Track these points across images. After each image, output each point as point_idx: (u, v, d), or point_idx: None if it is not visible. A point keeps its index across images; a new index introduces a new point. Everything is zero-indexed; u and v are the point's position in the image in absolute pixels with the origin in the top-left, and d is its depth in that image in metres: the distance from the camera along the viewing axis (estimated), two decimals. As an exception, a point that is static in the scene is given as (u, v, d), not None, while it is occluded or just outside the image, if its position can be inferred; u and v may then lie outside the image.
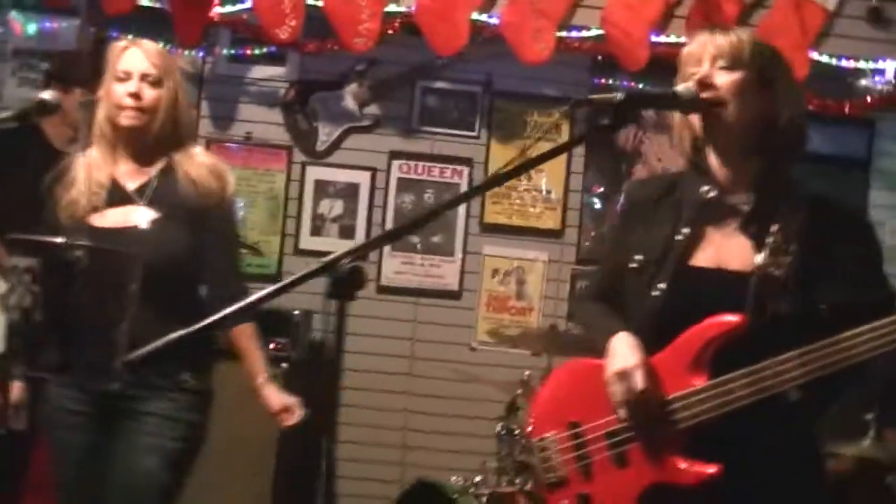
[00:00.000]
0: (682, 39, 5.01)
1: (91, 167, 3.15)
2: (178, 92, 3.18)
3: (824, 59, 5.06)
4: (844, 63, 5.10)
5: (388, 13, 5.03)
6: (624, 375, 2.33)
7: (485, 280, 5.58)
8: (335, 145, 5.52)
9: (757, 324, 2.26)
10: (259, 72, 5.44)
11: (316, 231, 5.52)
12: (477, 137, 5.57)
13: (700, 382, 2.30)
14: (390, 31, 5.05)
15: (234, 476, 4.67)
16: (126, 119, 3.11)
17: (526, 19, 4.99)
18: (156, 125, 3.11)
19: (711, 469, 2.27)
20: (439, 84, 5.51)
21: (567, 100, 5.39)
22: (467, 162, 5.56)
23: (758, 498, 2.33)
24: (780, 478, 2.32)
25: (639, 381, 2.32)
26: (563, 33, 5.07)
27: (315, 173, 5.54)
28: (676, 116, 2.45)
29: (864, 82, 5.10)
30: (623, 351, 2.37)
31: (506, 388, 4.51)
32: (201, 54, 5.33)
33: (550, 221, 5.60)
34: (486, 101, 5.56)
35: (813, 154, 5.41)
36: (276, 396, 3.21)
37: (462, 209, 5.48)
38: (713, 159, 2.41)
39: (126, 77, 3.12)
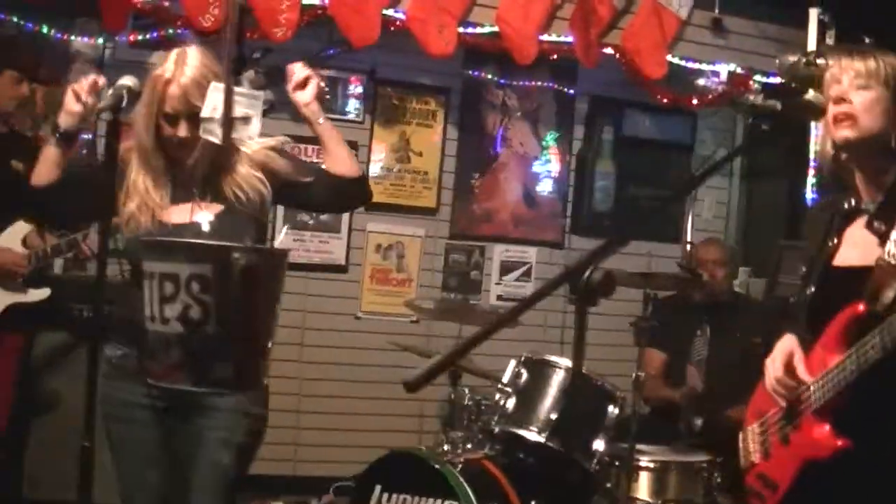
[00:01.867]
0: (565, 38, 5.63)
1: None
2: None
3: (675, 60, 5.83)
4: (690, 64, 5.91)
5: (305, 5, 5.23)
6: (772, 360, 2.69)
7: (368, 254, 5.97)
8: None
9: (877, 310, 2.45)
10: (160, 58, 5.44)
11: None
12: (361, 123, 5.91)
13: (835, 361, 2.53)
14: (306, 21, 5.23)
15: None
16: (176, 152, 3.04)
17: (431, 15, 5.38)
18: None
19: (840, 441, 2.49)
20: (327, 72, 5.77)
21: (444, 89, 5.90)
22: (353, 145, 5.87)
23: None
24: None
25: (776, 367, 2.65)
26: (463, 30, 5.49)
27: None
28: (822, 136, 2.72)
29: (702, 81, 5.92)
30: (779, 346, 2.70)
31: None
32: (101, 40, 5.27)
33: (427, 200, 6.06)
34: (371, 88, 5.89)
35: (647, 139, 6.34)
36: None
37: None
38: (854, 169, 2.64)
39: (173, 111, 2.97)
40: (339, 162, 3.20)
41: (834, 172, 2.71)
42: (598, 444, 4.29)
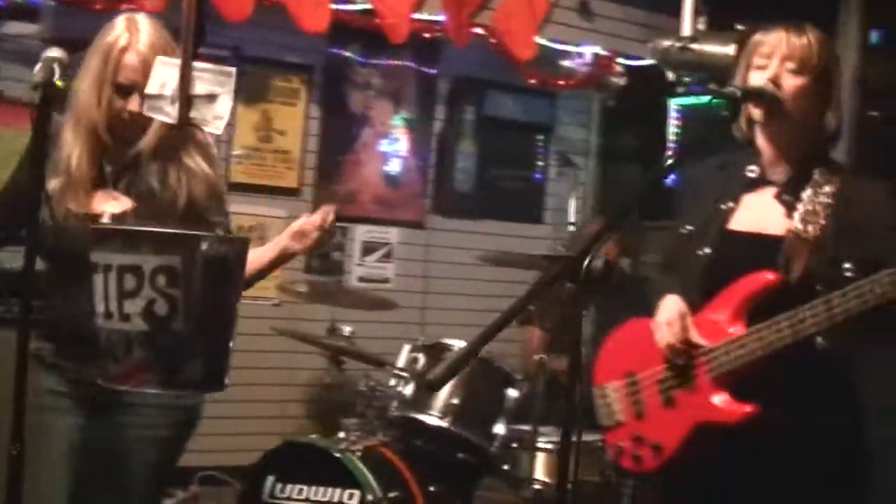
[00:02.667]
0: (435, 17, 5.57)
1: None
2: None
3: (543, 41, 5.87)
4: (558, 46, 5.95)
5: (172, -19, 4.99)
6: (662, 325, 2.66)
7: (232, 236, 5.76)
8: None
9: (788, 281, 2.54)
10: (10, 28, 5.11)
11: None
12: (223, 99, 5.68)
13: (739, 332, 2.57)
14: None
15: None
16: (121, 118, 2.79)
17: (307, -10, 5.23)
18: None
19: (748, 408, 2.54)
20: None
21: (307, 66, 5.75)
22: (214, 123, 5.67)
23: (794, 441, 2.57)
24: (814, 423, 2.58)
25: (675, 329, 2.62)
26: (336, 6, 5.35)
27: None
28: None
29: (567, 63, 5.98)
30: (667, 306, 2.68)
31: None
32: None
33: (289, 180, 5.90)
34: (235, 65, 5.65)
35: (508, 120, 6.37)
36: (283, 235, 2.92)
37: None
38: (760, 139, 2.68)
39: (126, 79, 2.75)
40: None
41: (744, 138, 2.72)
42: (499, 428, 4.29)
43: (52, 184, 2.75)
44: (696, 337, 2.64)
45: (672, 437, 2.69)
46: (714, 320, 2.64)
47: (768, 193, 2.68)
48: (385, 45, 5.73)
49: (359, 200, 6.15)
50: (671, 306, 2.68)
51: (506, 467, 4.36)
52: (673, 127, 6.22)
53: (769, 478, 2.61)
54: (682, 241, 2.78)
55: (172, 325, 2.30)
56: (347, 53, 5.89)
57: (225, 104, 2.39)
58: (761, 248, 2.62)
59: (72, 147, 2.76)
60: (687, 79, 5.46)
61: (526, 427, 4.34)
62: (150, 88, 2.50)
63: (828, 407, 2.60)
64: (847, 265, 2.52)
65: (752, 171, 2.70)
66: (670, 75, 5.54)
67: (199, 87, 2.35)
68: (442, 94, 6.31)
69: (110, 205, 2.81)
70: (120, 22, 2.77)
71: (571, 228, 5.61)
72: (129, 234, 2.37)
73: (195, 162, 2.84)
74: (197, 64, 2.40)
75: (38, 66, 2.55)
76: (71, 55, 2.53)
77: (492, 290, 6.34)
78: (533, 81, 5.91)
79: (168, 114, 2.43)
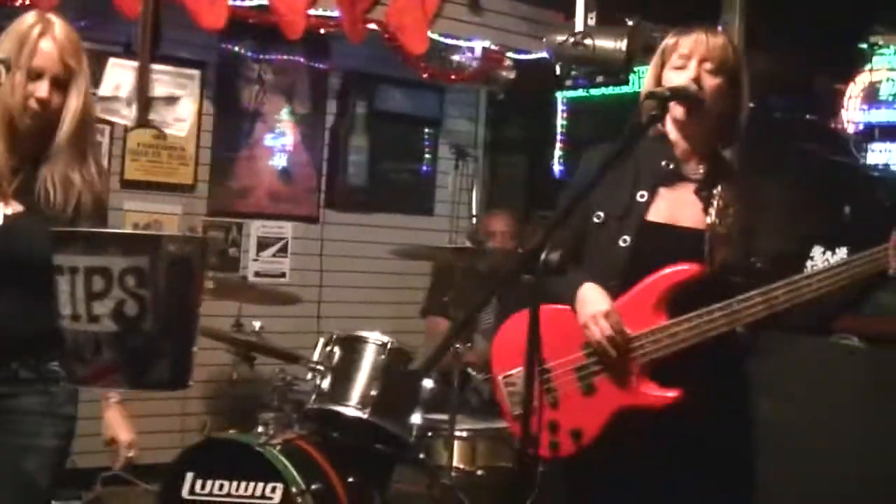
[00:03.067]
0: (330, 13, 5.62)
1: None
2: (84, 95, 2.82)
3: (434, 36, 5.97)
4: (448, 41, 6.07)
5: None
6: (599, 317, 2.70)
7: (126, 234, 5.70)
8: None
9: (708, 272, 2.69)
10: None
11: None
12: (116, 96, 5.63)
13: (662, 321, 2.69)
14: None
15: None
16: (28, 117, 2.76)
17: (203, -13, 5.20)
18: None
19: (672, 393, 2.66)
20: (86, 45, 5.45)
21: (200, 62, 5.72)
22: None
23: (708, 422, 2.71)
24: (727, 404, 2.77)
25: (614, 321, 2.70)
26: (232, 2, 5.34)
27: None
28: (645, 101, 2.76)
29: (456, 57, 6.11)
30: (594, 297, 2.74)
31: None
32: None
33: (184, 177, 5.87)
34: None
35: (398, 114, 6.47)
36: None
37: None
38: (675, 135, 2.82)
39: (35, 74, 2.72)
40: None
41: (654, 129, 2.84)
42: (416, 418, 4.39)
43: None
44: (628, 332, 2.72)
45: (593, 422, 2.76)
46: (636, 309, 2.73)
47: (683, 187, 2.81)
48: (276, 40, 5.74)
49: (253, 196, 6.17)
50: (600, 298, 2.75)
51: (421, 456, 4.45)
52: (560, 119, 6.41)
53: (684, 458, 2.72)
54: (593, 229, 2.84)
55: (142, 325, 2.31)
56: (239, 49, 5.88)
57: (187, 106, 2.44)
58: (680, 241, 2.75)
59: None
60: (574, 72, 5.62)
61: (441, 416, 4.43)
62: (104, 90, 2.52)
63: (738, 389, 2.81)
64: (753, 259, 2.73)
65: (668, 165, 2.82)
66: (558, 69, 5.70)
67: (159, 90, 2.38)
68: (333, 89, 6.37)
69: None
70: (33, 14, 2.75)
71: (473, 220, 5.73)
72: (95, 235, 2.39)
73: (89, 171, 2.82)
74: (155, 66, 2.42)
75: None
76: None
77: (386, 283, 6.46)
78: (425, 76, 6.00)
79: (124, 116, 2.46)
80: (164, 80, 2.36)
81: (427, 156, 6.71)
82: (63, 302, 2.37)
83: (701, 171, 2.82)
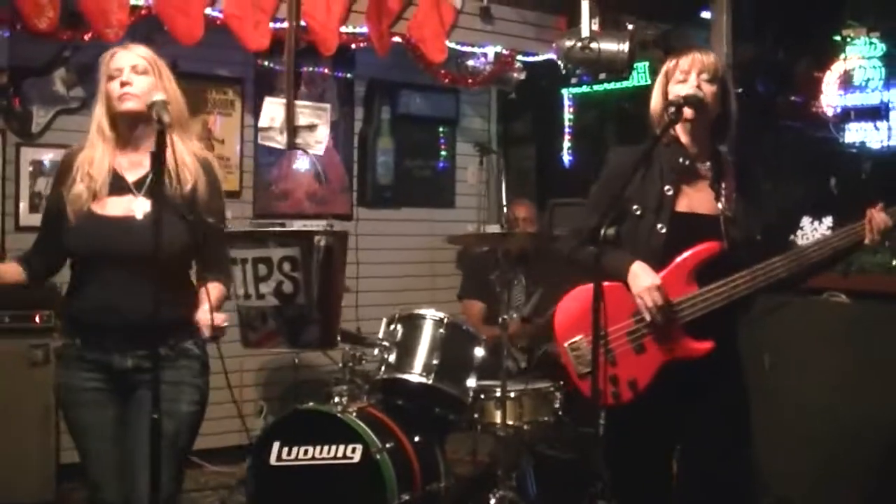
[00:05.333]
0: (359, 29, 6.21)
1: (91, 161, 3.31)
2: (167, 82, 3.36)
3: (451, 45, 6.60)
4: (464, 48, 6.69)
5: (133, 6, 5.48)
6: (652, 290, 3.29)
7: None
8: (47, 126, 5.85)
9: (726, 249, 3.33)
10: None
11: (34, 208, 5.74)
12: (168, 115, 6.18)
13: (694, 290, 3.31)
14: (133, 21, 5.48)
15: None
16: (122, 103, 3.28)
17: (247, 12, 5.80)
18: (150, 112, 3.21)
19: (709, 344, 3.30)
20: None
21: (238, 79, 6.33)
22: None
23: (724, 367, 3.38)
24: (735, 353, 3.46)
25: (662, 293, 3.28)
26: (273, 25, 5.93)
27: (29, 154, 5.83)
28: (656, 108, 3.45)
29: (471, 62, 6.72)
30: (646, 272, 3.31)
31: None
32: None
33: (231, 184, 6.41)
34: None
35: (419, 116, 7.08)
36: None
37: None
38: (686, 137, 3.42)
39: (118, 73, 3.30)
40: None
41: (666, 133, 3.40)
42: (471, 382, 5.01)
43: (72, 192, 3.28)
44: (671, 300, 3.32)
45: (645, 373, 3.37)
46: (673, 281, 3.34)
47: (698, 181, 3.43)
48: (306, 54, 6.32)
49: (293, 198, 6.75)
50: (648, 273, 3.32)
51: (476, 416, 5.08)
52: (567, 113, 7.04)
53: (709, 398, 3.35)
54: (632, 220, 3.41)
55: (296, 300, 2.96)
56: (272, 65, 6.44)
57: (323, 132, 3.06)
58: (701, 226, 3.36)
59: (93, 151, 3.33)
60: (578, 70, 6.23)
61: (491, 382, 5.05)
62: (262, 123, 3.14)
63: (734, 332, 3.44)
64: (758, 236, 3.39)
65: (684, 161, 3.43)
66: (563, 68, 6.32)
67: (302, 120, 3.00)
68: (359, 97, 6.97)
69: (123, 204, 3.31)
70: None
71: (504, 209, 6.35)
72: (258, 233, 3.01)
73: (195, 146, 3.40)
74: (298, 101, 3.05)
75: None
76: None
77: (417, 271, 7.07)
78: (446, 81, 6.62)
79: (279, 142, 3.07)
80: (305, 112, 2.96)
81: (445, 153, 7.33)
82: (236, 285, 3.00)
83: (709, 166, 3.44)
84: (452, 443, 5.41)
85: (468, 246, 5.58)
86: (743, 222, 3.38)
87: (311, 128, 3.00)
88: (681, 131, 3.44)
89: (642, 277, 3.32)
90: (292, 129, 2.96)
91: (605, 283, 3.23)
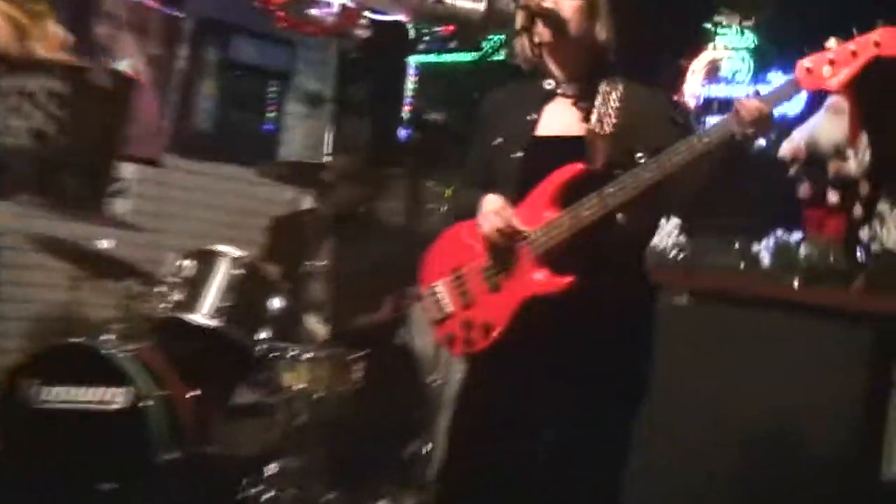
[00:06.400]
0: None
1: None
2: None
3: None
4: (303, -5, 6.15)
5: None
6: (489, 214, 3.00)
7: None
8: None
9: (592, 170, 2.96)
10: None
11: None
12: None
13: (554, 215, 2.95)
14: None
15: None
16: None
17: None
18: None
19: (567, 279, 2.90)
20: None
21: None
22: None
23: (597, 306, 2.93)
24: (613, 290, 2.98)
25: (503, 216, 2.97)
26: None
27: None
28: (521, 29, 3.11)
29: (315, 11, 6.19)
30: (492, 201, 3.03)
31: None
32: None
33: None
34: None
35: (250, 65, 6.52)
36: None
37: None
38: (551, 61, 3.12)
39: None
40: None
41: (530, 61, 3.15)
42: (264, 335, 4.46)
43: None
44: (518, 224, 2.98)
45: (500, 316, 3.00)
46: (532, 210, 3.00)
47: (564, 103, 3.11)
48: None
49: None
50: (494, 200, 3.03)
51: (266, 375, 4.52)
52: (410, 83, 6.58)
53: (576, 341, 2.96)
54: (494, 153, 3.14)
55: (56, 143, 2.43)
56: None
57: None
58: (565, 148, 3.02)
59: None
60: (427, 37, 5.80)
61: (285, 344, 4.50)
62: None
63: (623, 276, 3.02)
64: (639, 154, 2.95)
65: (549, 84, 3.13)
66: (412, 33, 5.88)
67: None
68: (186, 35, 6.36)
69: None
70: None
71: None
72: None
73: None
74: None
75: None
76: None
77: (221, 234, 6.45)
78: (284, 25, 6.07)
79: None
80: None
81: (274, 111, 6.77)
82: None
83: (577, 88, 3.11)
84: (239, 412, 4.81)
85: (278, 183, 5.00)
86: (621, 139, 2.98)
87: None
88: (546, 58, 3.14)
89: (486, 205, 3.03)
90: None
91: (468, 222, 3.06)
